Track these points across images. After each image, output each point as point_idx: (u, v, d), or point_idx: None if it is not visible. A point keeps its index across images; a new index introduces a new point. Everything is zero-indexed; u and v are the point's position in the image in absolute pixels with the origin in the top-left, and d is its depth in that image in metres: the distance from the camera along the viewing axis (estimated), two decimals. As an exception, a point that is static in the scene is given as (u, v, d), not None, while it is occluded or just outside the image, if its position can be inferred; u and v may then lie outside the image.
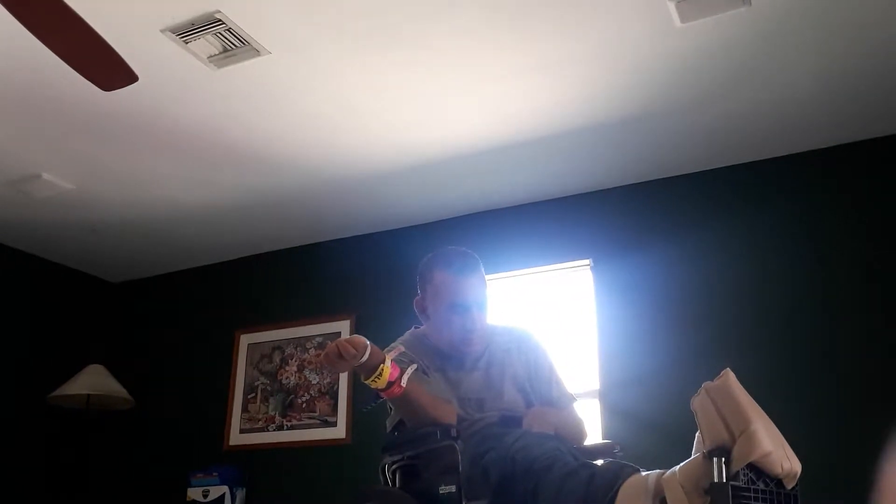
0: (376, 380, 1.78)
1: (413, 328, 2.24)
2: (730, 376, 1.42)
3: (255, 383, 4.47)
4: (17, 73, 2.92)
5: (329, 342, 4.13)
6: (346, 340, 1.75)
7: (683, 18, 2.62)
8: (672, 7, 2.57)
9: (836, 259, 3.30)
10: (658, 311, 3.55)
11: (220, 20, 2.62)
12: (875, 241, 3.26)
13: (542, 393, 2.16)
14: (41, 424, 4.48)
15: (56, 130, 3.36)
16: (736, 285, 3.44)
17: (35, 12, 2.11)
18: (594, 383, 3.59)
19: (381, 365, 1.78)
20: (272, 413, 4.36)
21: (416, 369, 1.90)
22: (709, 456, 1.36)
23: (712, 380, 1.43)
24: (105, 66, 2.38)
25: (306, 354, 4.38)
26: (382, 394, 1.84)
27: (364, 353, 1.74)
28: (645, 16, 2.62)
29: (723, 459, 1.34)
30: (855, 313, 3.20)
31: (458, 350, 2.11)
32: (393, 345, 2.03)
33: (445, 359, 2.12)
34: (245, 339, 4.58)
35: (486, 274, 2.17)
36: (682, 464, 1.42)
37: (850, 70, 2.90)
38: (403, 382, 1.81)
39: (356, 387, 4.10)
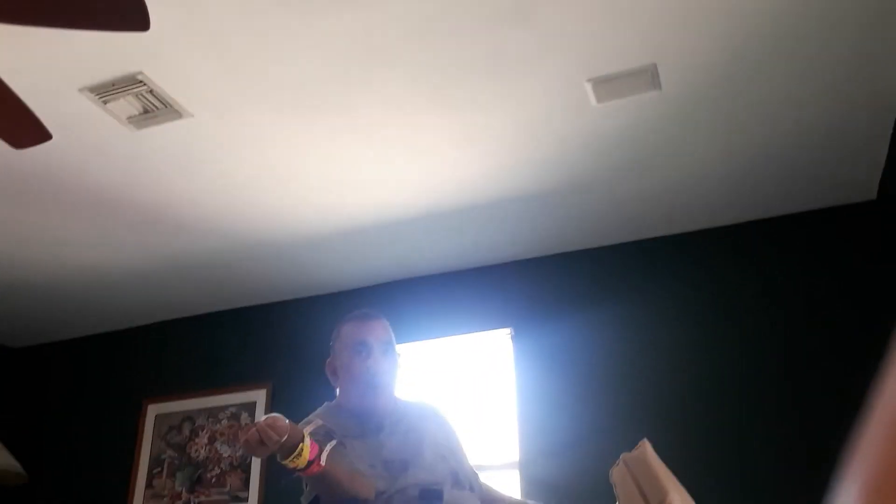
0: (295, 459, 1.71)
1: (326, 403, 2.21)
2: (647, 447, 1.44)
3: (162, 456, 4.25)
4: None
5: (245, 422, 4.07)
6: (267, 425, 1.67)
7: (599, 99, 2.75)
8: (588, 88, 2.69)
9: (750, 332, 3.43)
10: (577, 381, 3.59)
11: (141, 81, 2.58)
12: (786, 314, 3.40)
13: (458, 465, 2.14)
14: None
15: (-42, 187, 3.21)
16: (653, 356, 3.52)
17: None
18: (514, 454, 3.57)
19: (301, 444, 1.71)
20: (179, 489, 4.14)
21: (334, 444, 1.85)
22: (627, 527, 1.36)
23: (630, 450, 1.44)
24: (17, 124, 2.30)
25: (218, 425, 4.20)
26: (300, 473, 1.78)
27: (284, 436, 1.68)
28: (563, 94, 2.74)
29: (641, 531, 1.35)
30: (770, 385, 3.31)
31: (368, 402, 2.09)
32: (309, 418, 1.99)
33: (363, 424, 2.09)
34: (153, 409, 4.37)
35: (406, 342, 2.18)
36: (601, 536, 1.42)
37: (755, 151, 3.08)
38: (323, 460, 1.75)
39: (270, 461, 3.94)
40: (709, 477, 3.14)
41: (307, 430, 1.79)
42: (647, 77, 2.64)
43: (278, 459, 1.73)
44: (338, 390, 2.22)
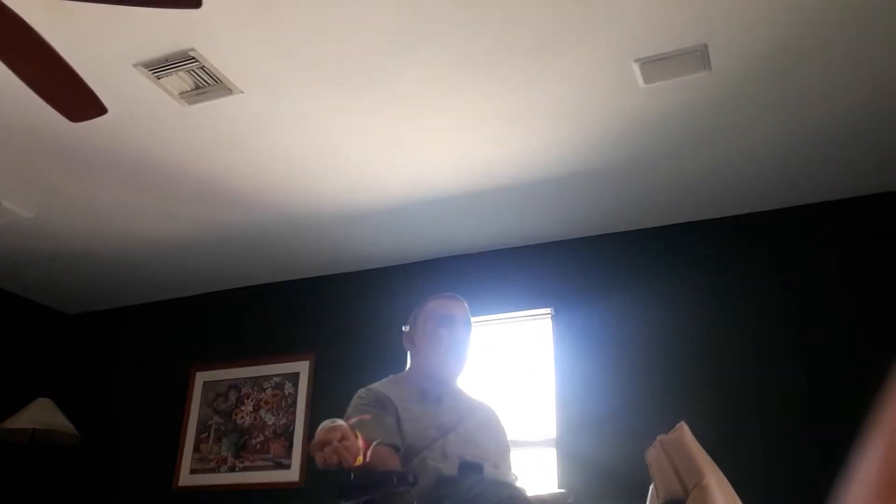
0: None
1: (392, 375, 2.32)
2: (684, 430, 1.44)
3: (209, 422, 4.38)
4: (-17, 99, 2.89)
5: (289, 392, 4.13)
6: (342, 446, 1.66)
7: (647, 79, 2.71)
8: (636, 68, 2.66)
9: (791, 312, 3.38)
10: (617, 362, 3.59)
11: (193, 58, 2.63)
12: (831, 295, 3.34)
13: (501, 457, 2.20)
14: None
15: (19, 158, 3.31)
16: (693, 337, 3.50)
17: (7, 40, 2.11)
18: (551, 431, 3.60)
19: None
20: (225, 454, 4.26)
21: (367, 419, 1.90)
22: (662, 508, 1.37)
23: (667, 432, 1.45)
24: (74, 98, 2.37)
25: (263, 394, 4.31)
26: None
27: (358, 456, 1.70)
28: (611, 74, 2.71)
29: (675, 512, 1.36)
30: (811, 364, 3.27)
31: (445, 370, 2.22)
32: (355, 402, 2.10)
33: (425, 394, 2.17)
34: (201, 377, 4.50)
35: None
36: (635, 515, 1.43)
37: (807, 131, 3.01)
38: (367, 457, 1.78)
39: (312, 429, 4.03)
40: (747, 460, 3.13)
41: (352, 423, 1.82)
42: (697, 58, 2.59)
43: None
44: (410, 360, 2.33)
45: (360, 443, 1.76)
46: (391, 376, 2.28)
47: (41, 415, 4.18)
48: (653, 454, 1.44)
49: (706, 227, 3.68)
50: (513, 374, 3.79)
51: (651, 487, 1.43)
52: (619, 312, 3.67)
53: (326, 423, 1.72)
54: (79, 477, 4.51)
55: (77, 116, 2.49)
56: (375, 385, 2.17)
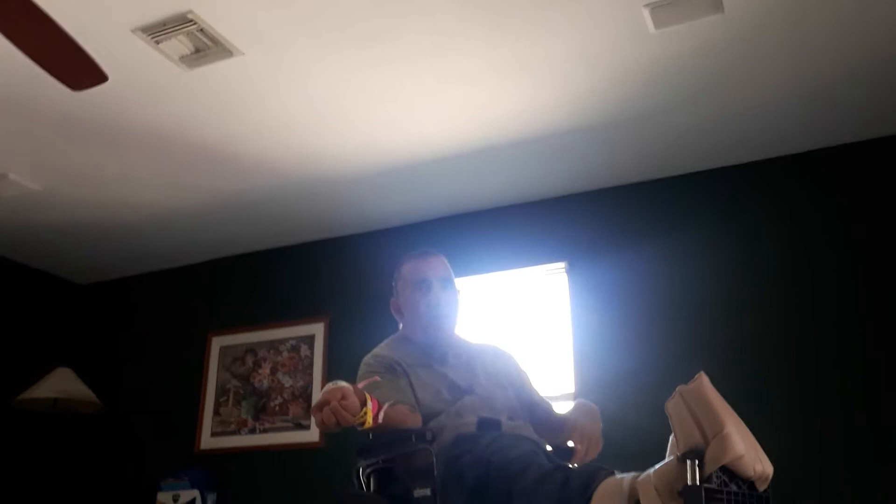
0: (360, 422, 1.74)
1: (393, 335, 2.29)
2: (703, 379, 1.43)
3: (227, 386, 4.42)
4: (-17, 71, 2.86)
5: (305, 354, 4.16)
6: (340, 405, 1.66)
7: (657, 24, 2.64)
8: (646, 13, 2.59)
9: (811, 262, 3.35)
10: (633, 314, 3.58)
11: (192, 20, 2.59)
12: (851, 244, 3.31)
13: (525, 396, 2.22)
14: (7, 427, 4.39)
15: (24, 131, 3.30)
16: (710, 288, 3.48)
17: (3, 11, 2.08)
18: (569, 386, 3.61)
19: (364, 409, 1.75)
20: (244, 416, 4.32)
21: (377, 381, 1.90)
22: (682, 459, 1.37)
23: (686, 383, 1.44)
24: (74, 66, 2.34)
25: (279, 357, 4.34)
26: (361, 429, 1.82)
27: (357, 415, 1.70)
28: (619, 20, 2.64)
29: (696, 462, 1.35)
30: (832, 316, 3.25)
31: (431, 334, 2.18)
32: (375, 352, 2.12)
33: (429, 355, 2.17)
34: (217, 342, 4.53)
35: (461, 276, 2.24)
36: (656, 466, 1.43)
37: (823, 75, 2.95)
38: (380, 418, 1.78)
39: (329, 389, 4.07)
40: (766, 407, 3.13)
41: (363, 385, 1.82)
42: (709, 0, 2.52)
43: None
44: (401, 326, 2.29)
45: (372, 403, 1.76)
46: (391, 338, 2.26)
47: (61, 384, 4.24)
48: (672, 405, 1.43)
49: (721, 175, 3.63)
50: (529, 330, 3.79)
51: (671, 438, 1.43)
52: (635, 265, 3.65)
53: (329, 385, 1.73)
54: (101, 444, 4.58)
55: (78, 85, 2.46)
56: (380, 350, 2.17)
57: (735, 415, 1.41)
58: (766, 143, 3.46)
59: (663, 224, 3.67)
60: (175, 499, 4.00)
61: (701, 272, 3.52)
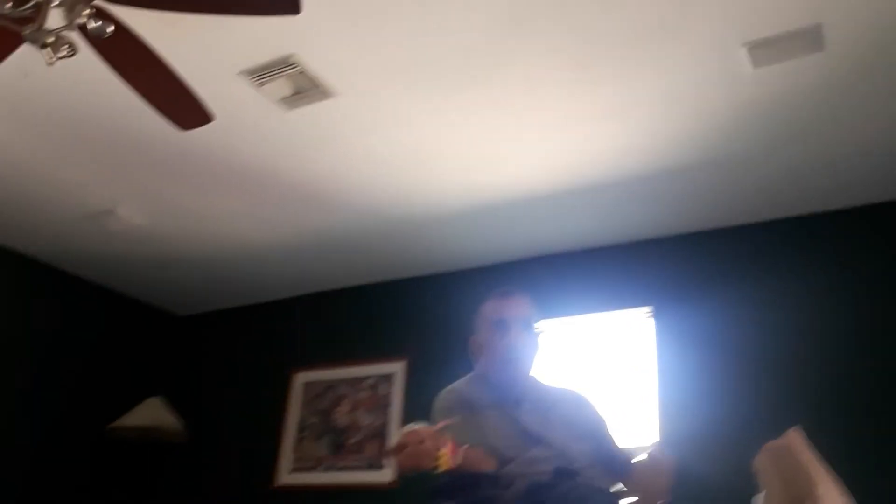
0: (436, 467, 1.74)
1: (470, 374, 2.26)
2: (796, 436, 1.37)
3: (307, 422, 4.48)
4: (100, 111, 3.07)
5: (383, 392, 4.19)
6: (419, 450, 1.67)
7: (756, 64, 2.59)
8: (744, 52, 2.55)
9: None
10: (722, 363, 3.44)
11: (294, 63, 2.72)
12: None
13: (604, 447, 2.14)
14: (98, 454, 4.56)
15: (132, 168, 3.49)
16: (805, 339, 3.32)
17: (121, 54, 2.23)
18: (653, 437, 3.49)
19: (441, 451, 1.74)
20: (322, 453, 4.36)
21: (457, 423, 1.89)
22: (772, 519, 1.31)
23: (778, 438, 1.38)
24: (183, 107, 2.49)
25: (359, 395, 4.38)
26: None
27: (436, 461, 1.70)
28: (715, 61, 2.61)
29: (787, 523, 1.29)
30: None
31: (506, 376, 2.13)
32: (437, 408, 2.09)
33: (503, 396, 2.13)
34: (300, 378, 4.62)
35: (544, 318, 2.19)
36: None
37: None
38: (457, 461, 1.77)
39: (407, 431, 4.07)
40: (866, 467, 2.94)
41: (441, 427, 1.81)
42: (810, 38, 2.46)
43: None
44: (478, 365, 2.25)
45: (449, 446, 1.75)
46: (469, 376, 2.23)
47: (152, 413, 4.39)
48: (761, 462, 1.37)
49: (819, 220, 3.49)
50: (613, 376, 3.70)
51: (757, 498, 1.37)
52: (726, 311, 3.52)
53: (406, 428, 1.72)
54: (183, 473, 4.70)
55: (186, 125, 2.60)
56: (457, 385, 2.15)
57: (830, 475, 1.33)
58: (870, 188, 3.30)
59: (757, 270, 3.54)
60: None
61: (797, 321, 3.36)
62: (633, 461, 2.16)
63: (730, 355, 3.44)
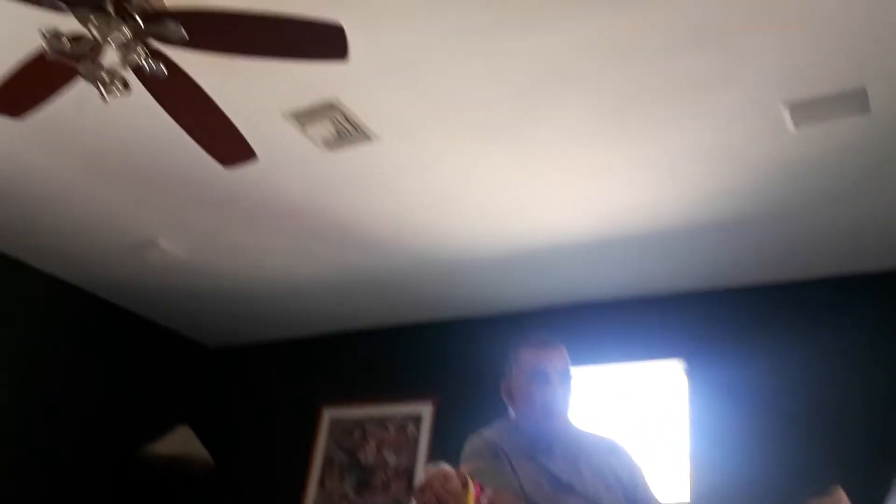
0: None
1: (501, 420, 2.24)
2: (839, 495, 1.34)
3: (334, 459, 4.47)
4: (147, 145, 3.15)
5: (412, 433, 4.18)
6: (445, 490, 1.68)
7: (797, 123, 2.58)
8: (786, 112, 2.55)
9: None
10: (756, 419, 3.38)
11: (337, 107, 2.78)
12: None
13: (640, 498, 2.11)
14: (126, 482, 4.58)
15: (176, 201, 3.57)
16: (840, 396, 3.25)
17: (171, 92, 2.31)
18: (684, 494, 3.42)
19: (467, 492, 1.74)
20: (347, 490, 4.34)
21: (481, 468, 1.88)
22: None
23: (818, 497, 1.35)
24: (228, 145, 2.55)
25: (386, 434, 4.37)
26: None
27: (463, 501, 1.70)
28: (756, 118, 2.61)
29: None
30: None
31: (544, 426, 2.10)
32: (482, 433, 2.07)
33: (534, 444, 2.10)
34: (328, 414, 4.62)
35: (574, 364, 2.18)
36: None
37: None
38: (485, 503, 1.76)
39: (433, 472, 4.04)
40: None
41: (467, 469, 1.81)
42: (854, 100, 2.45)
43: None
44: (511, 411, 2.24)
45: (475, 489, 1.74)
46: (499, 422, 2.21)
47: (181, 442, 4.42)
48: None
49: (856, 281, 3.45)
50: (642, 427, 3.65)
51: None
52: (761, 367, 3.46)
53: (430, 467, 1.71)
54: (210, 504, 4.71)
55: (230, 162, 2.67)
56: (487, 431, 2.13)
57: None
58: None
59: (792, 327, 3.48)
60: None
61: (833, 378, 3.29)
62: None
63: (763, 411, 3.38)
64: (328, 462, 4.48)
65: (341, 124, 2.88)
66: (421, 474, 4.12)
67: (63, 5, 1.98)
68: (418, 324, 4.55)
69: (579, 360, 3.62)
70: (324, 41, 2.10)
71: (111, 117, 2.95)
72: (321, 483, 4.44)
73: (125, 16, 2.01)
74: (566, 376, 2.14)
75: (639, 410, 3.75)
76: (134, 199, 3.60)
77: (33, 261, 4.33)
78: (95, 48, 2.05)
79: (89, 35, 2.03)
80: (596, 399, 3.83)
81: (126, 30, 2.03)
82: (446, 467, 1.70)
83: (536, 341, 2.19)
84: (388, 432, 4.37)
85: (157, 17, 2.04)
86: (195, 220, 3.72)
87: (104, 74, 2.07)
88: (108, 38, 2.01)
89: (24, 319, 4.33)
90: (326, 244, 3.82)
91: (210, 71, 2.44)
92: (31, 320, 4.37)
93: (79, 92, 2.30)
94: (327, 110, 2.80)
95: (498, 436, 2.10)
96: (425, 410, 4.29)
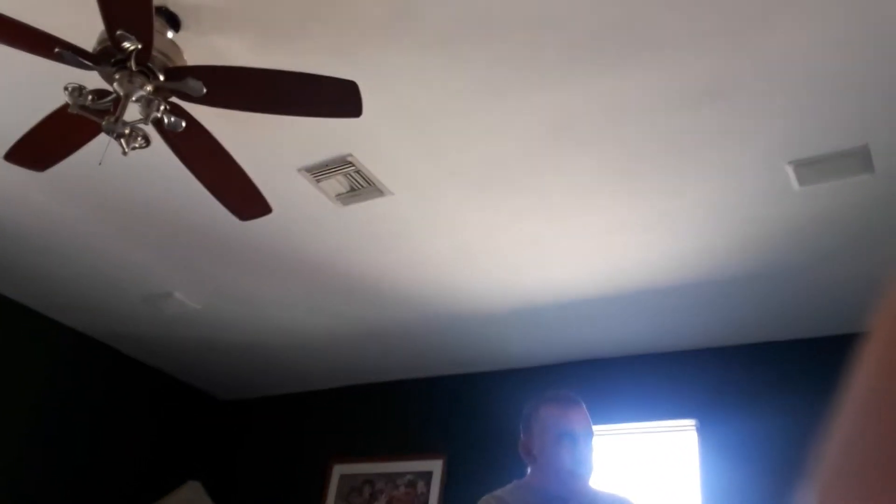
0: None
1: (515, 481, 2.20)
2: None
3: (343, 516, 4.41)
4: (166, 198, 3.22)
5: (421, 491, 4.13)
6: None
7: (802, 182, 2.61)
8: (790, 170, 2.57)
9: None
10: (770, 479, 3.31)
11: (351, 163, 2.84)
12: None
13: None
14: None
15: (192, 254, 3.63)
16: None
17: (190, 146, 2.37)
18: (696, 556, 3.35)
19: None
20: (356, 549, 4.26)
21: None
22: None
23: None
24: (245, 199, 2.61)
25: (396, 491, 4.31)
26: None
27: None
28: (762, 177, 2.64)
29: None
30: None
31: (567, 488, 2.06)
32: (496, 493, 2.04)
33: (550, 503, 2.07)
34: (338, 470, 4.57)
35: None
36: None
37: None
38: None
39: (443, 531, 3.97)
40: None
41: None
42: (858, 159, 2.47)
43: None
44: (529, 469, 2.17)
45: None
46: (514, 484, 2.16)
47: (191, 498, 4.38)
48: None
49: (865, 339, 3.41)
50: (653, 486, 3.58)
51: None
52: (770, 427, 3.41)
53: None
54: (218, 561, 4.63)
55: (246, 215, 2.72)
56: (501, 493, 2.08)
57: None
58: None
59: (804, 385, 3.43)
60: None
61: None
62: None
63: (775, 470, 3.31)
64: (337, 519, 4.41)
65: (355, 179, 2.93)
66: (430, 533, 4.05)
67: (88, 63, 2.06)
68: (429, 378, 4.54)
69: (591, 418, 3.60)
70: (339, 98, 2.16)
71: (132, 170, 3.02)
72: (329, 541, 4.36)
73: (147, 72, 2.09)
74: (589, 435, 2.08)
75: (650, 469, 3.68)
76: (152, 252, 3.66)
77: (43, 309, 4.38)
78: (117, 103, 2.12)
79: (112, 90, 2.11)
80: (607, 458, 3.77)
81: (148, 86, 2.11)
82: None
83: (559, 398, 2.12)
84: (397, 489, 4.31)
85: (177, 74, 2.11)
86: (211, 272, 3.77)
87: (126, 129, 2.14)
88: (131, 94, 2.08)
89: (32, 369, 4.34)
90: (339, 298, 3.84)
91: (227, 125, 2.51)
92: (40, 369, 4.38)
93: (100, 146, 2.37)
94: (341, 165, 2.85)
95: (511, 497, 2.06)
96: (436, 467, 4.23)
